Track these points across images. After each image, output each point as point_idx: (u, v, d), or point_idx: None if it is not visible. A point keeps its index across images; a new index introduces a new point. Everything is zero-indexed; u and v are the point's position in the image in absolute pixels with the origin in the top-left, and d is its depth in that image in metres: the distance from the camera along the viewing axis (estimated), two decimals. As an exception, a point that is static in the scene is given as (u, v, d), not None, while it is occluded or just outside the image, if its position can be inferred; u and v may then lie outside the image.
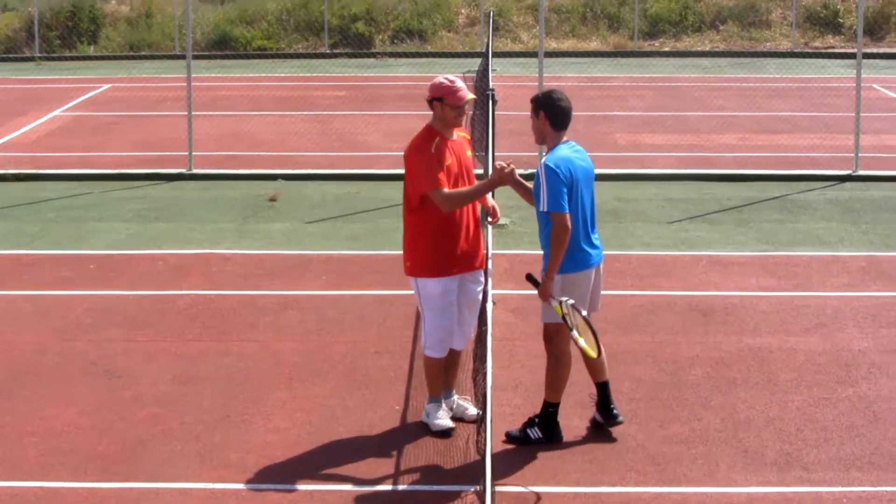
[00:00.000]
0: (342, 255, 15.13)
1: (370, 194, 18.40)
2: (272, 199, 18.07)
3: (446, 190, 9.44)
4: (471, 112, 9.54)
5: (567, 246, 9.24)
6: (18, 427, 9.95)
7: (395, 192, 18.30)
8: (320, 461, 9.34)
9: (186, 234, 16.15)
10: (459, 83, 9.56)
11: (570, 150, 9.57)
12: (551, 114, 9.50)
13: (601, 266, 9.69)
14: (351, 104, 26.42)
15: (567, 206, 9.24)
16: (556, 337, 9.48)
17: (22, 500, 8.67)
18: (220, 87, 28.90)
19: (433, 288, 9.55)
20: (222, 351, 11.69)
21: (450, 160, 9.50)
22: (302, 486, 8.92)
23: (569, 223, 9.21)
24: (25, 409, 10.31)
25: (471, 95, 9.67)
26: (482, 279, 9.79)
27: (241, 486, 8.91)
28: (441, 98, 9.50)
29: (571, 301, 9.22)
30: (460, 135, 9.81)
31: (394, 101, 26.78)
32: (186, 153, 19.83)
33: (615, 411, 9.70)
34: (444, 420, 9.72)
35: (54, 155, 21.21)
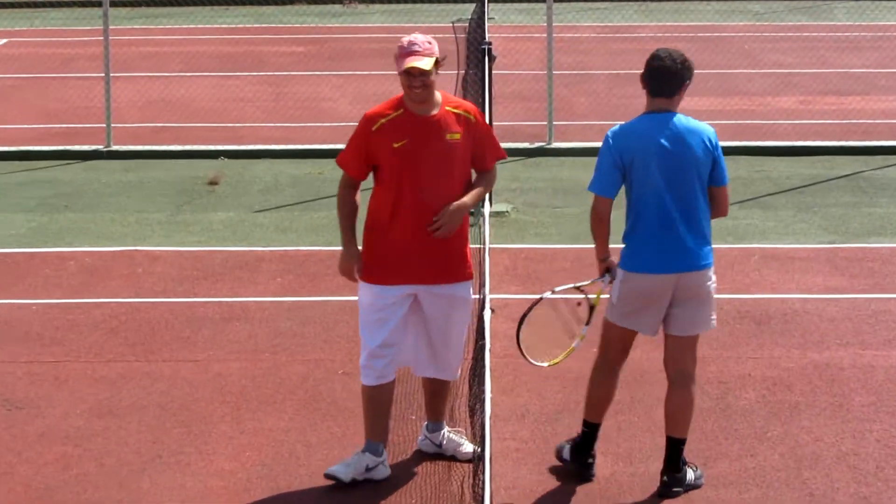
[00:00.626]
0: (301, 251, 15.14)
1: (335, 175, 18.31)
2: (213, 183, 18.07)
3: (344, 180, 9.73)
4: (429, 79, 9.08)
5: (630, 235, 9.42)
6: None
7: (368, 172, 18.46)
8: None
9: (105, 228, 16.17)
10: (417, 44, 9.30)
11: (650, 122, 9.47)
12: (645, 74, 9.48)
13: (699, 277, 9.45)
14: (311, 63, 26.51)
15: (604, 188, 9.31)
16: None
17: None
18: (145, 42, 28.97)
19: (362, 295, 9.66)
20: (151, 374, 11.69)
21: (401, 142, 9.34)
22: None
23: (604, 208, 9.29)
24: None
25: (419, 61, 9.24)
26: (461, 293, 9.68)
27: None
28: (396, 57, 9.47)
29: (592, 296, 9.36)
30: (450, 110, 9.47)
31: (365, 58, 26.79)
32: (103, 125, 19.87)
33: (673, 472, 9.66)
34: (350, 472, 9.51)
35: (-65, 129, 21.26)
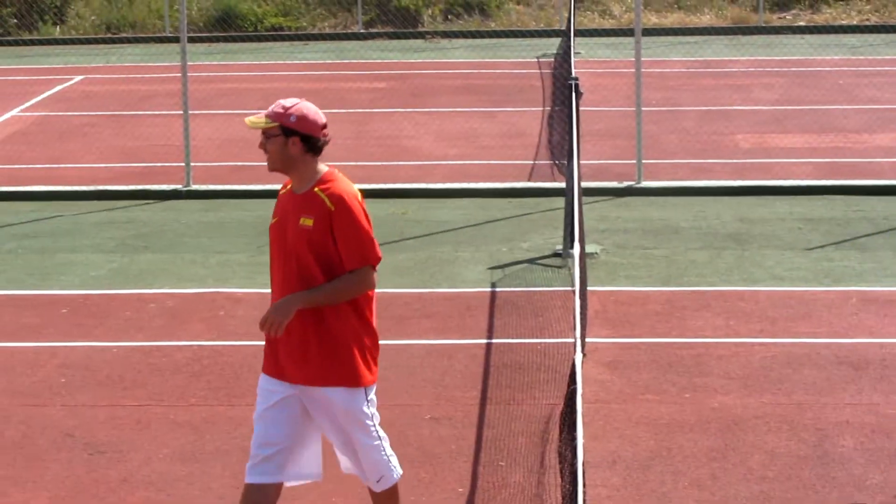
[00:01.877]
0: (385, 293, 15.19)
1: (421, 215, 18.48)
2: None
3: None
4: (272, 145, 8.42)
5: None
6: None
7: (452, 212, 18.53)
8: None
9: (185, 269, 16.33)
10: (274, 106, 8.59)
11: None
12: None
13: None
14: (393, 99, 26.57)
15: None
16: None
17: None
18: (224, 78, 29.12)
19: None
20: (234, 418, 11.80)
21: (274, 218, 8.68)
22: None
23: None
24: (-13, 493, 10.48)
25: (256, 118, 8.60)
26: (339, 400, 8.73)
27: None
28: None
29: None
30: (317, 192, 8.48)
31: (448, 94, 26.85)
32: (182, 164, 20.05)
33: None
34: None
35: (11, 167, 21.48)
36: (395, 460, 8.82)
